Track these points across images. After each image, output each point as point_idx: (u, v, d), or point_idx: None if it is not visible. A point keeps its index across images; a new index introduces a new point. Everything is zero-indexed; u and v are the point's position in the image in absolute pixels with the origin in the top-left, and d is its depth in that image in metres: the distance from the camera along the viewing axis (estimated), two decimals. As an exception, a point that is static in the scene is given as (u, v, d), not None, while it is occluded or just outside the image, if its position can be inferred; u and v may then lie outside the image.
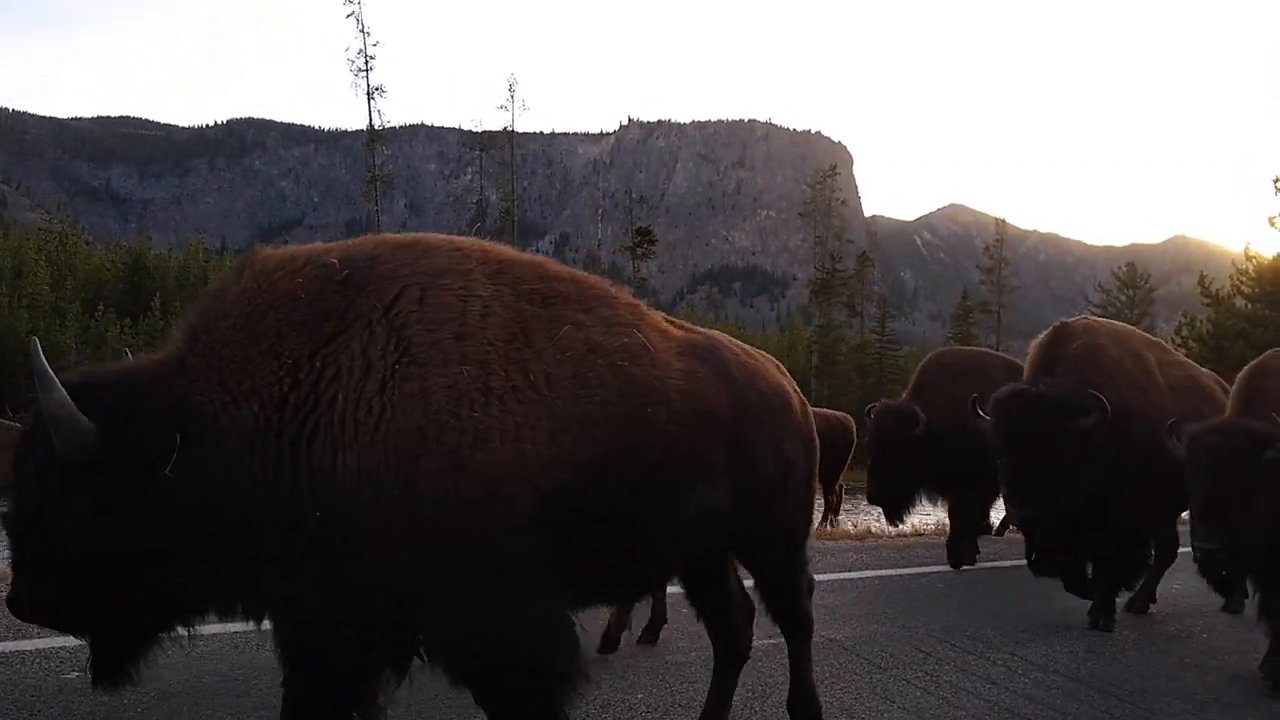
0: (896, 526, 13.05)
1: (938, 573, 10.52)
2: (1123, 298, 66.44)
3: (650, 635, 7.05)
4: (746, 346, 4.78)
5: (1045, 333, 8.63)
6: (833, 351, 67.91)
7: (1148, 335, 9.15)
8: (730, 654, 5.17)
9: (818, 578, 9.53)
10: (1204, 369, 9.93)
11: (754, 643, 6.91)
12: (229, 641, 6.31)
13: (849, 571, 10.09)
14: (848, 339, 71.05)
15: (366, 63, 60.86)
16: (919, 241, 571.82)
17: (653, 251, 75.13)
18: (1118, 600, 8.39)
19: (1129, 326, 9.20)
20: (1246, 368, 7.16)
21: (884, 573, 10.29)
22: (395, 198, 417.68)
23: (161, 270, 53.14)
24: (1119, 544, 8.10)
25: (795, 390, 4.93)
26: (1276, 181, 29.77)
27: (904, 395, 11.95)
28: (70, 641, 6.07)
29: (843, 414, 19.77)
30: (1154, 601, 9.14)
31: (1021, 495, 7.75)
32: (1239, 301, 31.48)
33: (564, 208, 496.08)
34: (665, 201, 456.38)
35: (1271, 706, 6.35)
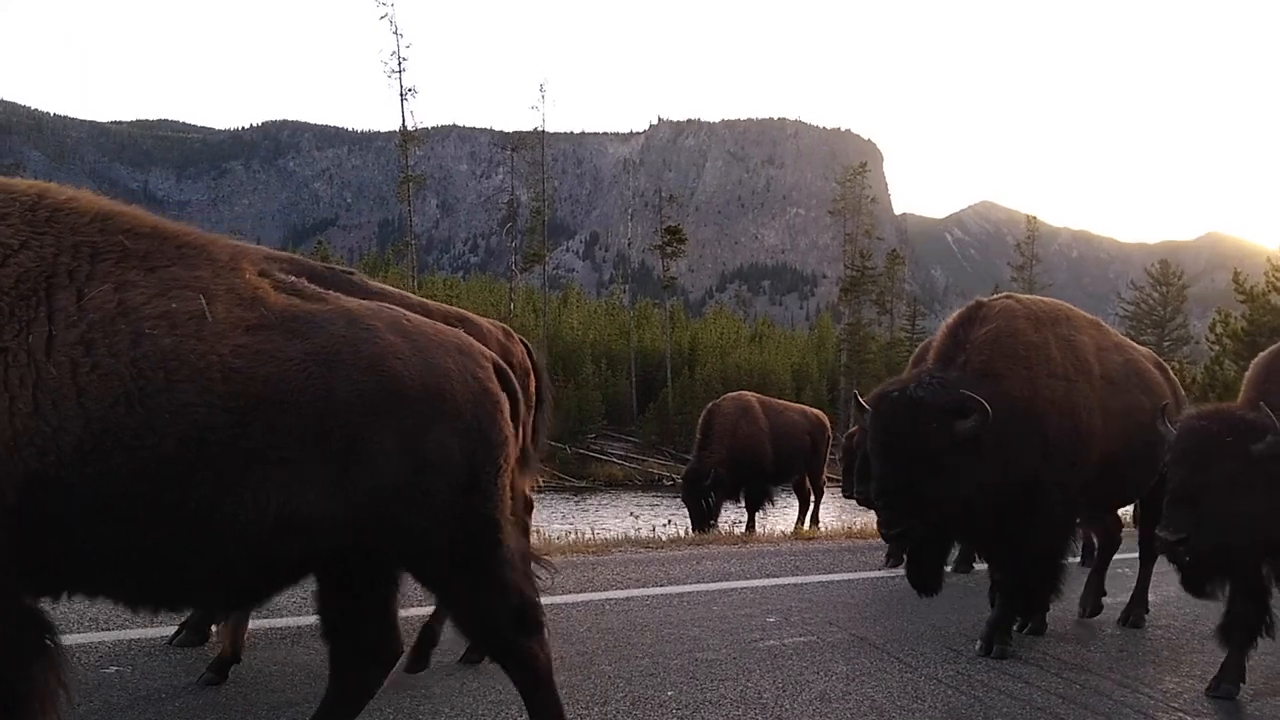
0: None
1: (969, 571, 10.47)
2: (1156, 295, 66.01)
3: (416, 661, 5.88)
4: (422, 323, 4.00)
5: (956, 312, 7.62)
6: (862, 349, 67.78)
7: (1087, 315, 8.11)
8: (344, 689, 4.20)
9: (848, 577, 9.54)
10: (1145, 349, 8.91)
11: (784, 640, 6.97)
12: (264, 637, 6.39)
13: (878, 570, 10.06)
14: (878, 337, 70.82)
15: (399, 64, 61.59)
16: (949, 239, 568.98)
17: (682, 250, 75.33)
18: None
19: (1066, 306, 8.08)
20: (1263, 354, 6.73)
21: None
22: (427, 198, 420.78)
23: (197, 271, 53.55)
24: (1038, 547, 7.17)
25: (485, 370, 4.02)
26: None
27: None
28: (109, 635, 6.19)
29: (817, 411, 19.45)
30: (1148, 612, 8.41)
31: (888, 511, 6.69)
32: (1274, 298, 31.06)
33: (594, 207, 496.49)
34: (695, 200, 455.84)
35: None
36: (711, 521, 15.72)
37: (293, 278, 3.95)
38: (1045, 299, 8.02)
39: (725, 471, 15.73)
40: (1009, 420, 6.71)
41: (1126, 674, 6.70)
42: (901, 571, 9.98)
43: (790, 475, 17.73)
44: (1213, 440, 5.79)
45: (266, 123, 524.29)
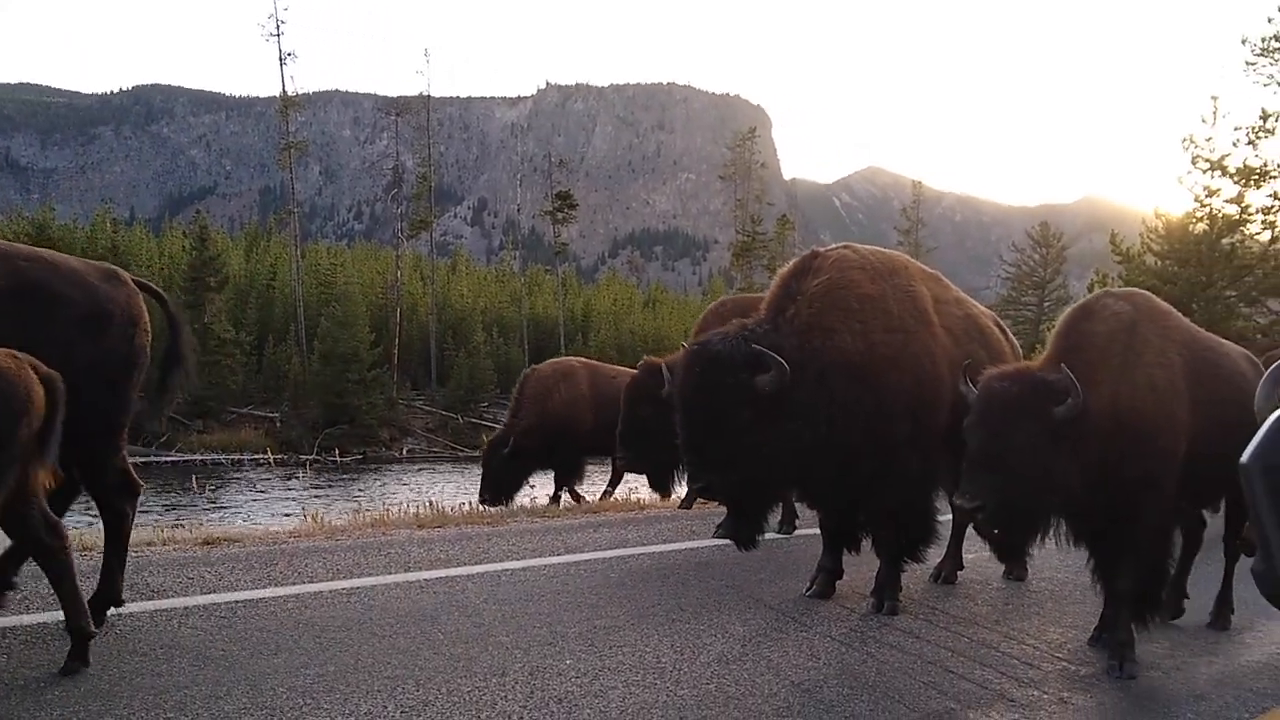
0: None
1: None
2: (1036, 256, 68.18)
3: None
4: None
5: (790, 263, 7.38)
6: (755, 314, 68.22)
7: (924, 268, 7.91)
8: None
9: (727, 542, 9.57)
10: (984, 309, 8.67)
11: (681, 604, 7.01)
12: (148, 619, 6.19)
13: (772, 533, 10.18)
14: (769, 301, 71.34)
15: (278, 27, 60.01)
16: (838, 204, 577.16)
17: (573, 215, 75.10)
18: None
19: (904, 257, 7.83)
20: (1070, 309, 6.54)
21: (807, 532, 10.38)
22: (310, 165, 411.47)
23: (68, 242, 51.80)
24: (901, 506, 7.14)
25: None
26: (1184, 142, 30.41)
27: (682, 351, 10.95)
28: (-19, 626, 5.91)
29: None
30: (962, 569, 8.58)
31: (689, 466, 6.72)
32: (1149, 259, 32.08)
33: (482, 172, 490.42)
34: (585, 165, 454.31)
35: (1197, 638, 6.58)
36: (510, 494, 14.52)
37: None
38: (884, 250, 7.76)
39: (532, 439, 14.49)
40: (838, 376, 6.59)
41: (1013, 626, 6.90)
42: (800, 533, 10.17)
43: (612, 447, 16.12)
44: (1013, 403, 5.63)
45: (137, 86, 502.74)
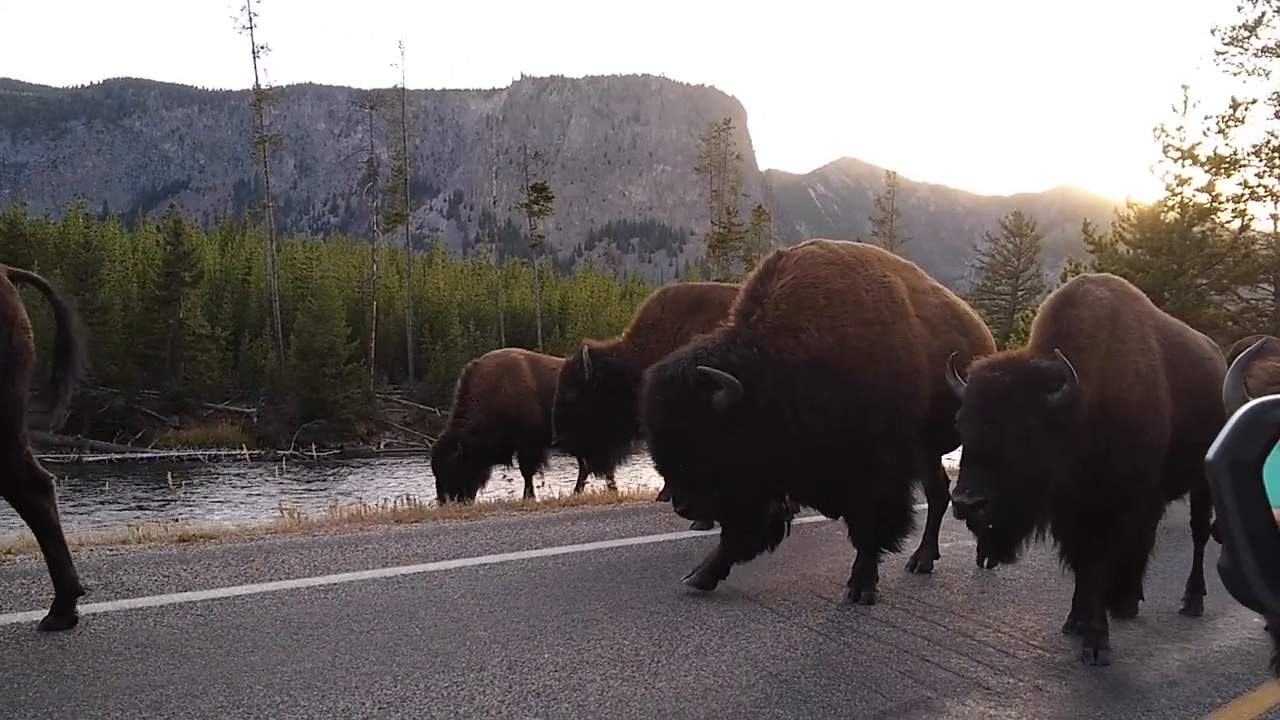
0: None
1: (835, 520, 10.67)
2: (1010, 246, 68.63)
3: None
4: None
5: (757, 266, 7.29)
6: (731, 305, 68.36)
7: (899, 258, 7.80)
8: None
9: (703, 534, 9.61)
10: (959, 298, 8.48)
11: (659, 596, 7.03)
12: (123, 617, 6.15)
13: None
14: (746, 292, 71.49)
15: (250, 20, 59.72)
16: (813, 194, 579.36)
17: (549, 208, 74.99)
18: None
19: (876, 249, 7.70)
20: (1052, 296, 6.45)
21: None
22: (284, 158, 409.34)
23: (40, 237, 51.45)
24: (879, 501, 7.06)
25: None
26: (1156, 131, 30.60)
27: (622, 337, 10.92)
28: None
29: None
30: (938, 558, 8.64)
31: (671, 487, 6.79)
32: (1121, 247, 32.30)
33: (457, 165, 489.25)
34: (560, 157, 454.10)
35: (1170, 624, 6.64)
36: (469, 494, 14.05)
37: None
38: (855, 244, 7.64)
39: (482, 438, 14.20)
40: (807, 375, 6.52)
41: (988, 615, 6.95)
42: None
43: None
44: (1007, 393, 5.43)
45: (108, 80, 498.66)
